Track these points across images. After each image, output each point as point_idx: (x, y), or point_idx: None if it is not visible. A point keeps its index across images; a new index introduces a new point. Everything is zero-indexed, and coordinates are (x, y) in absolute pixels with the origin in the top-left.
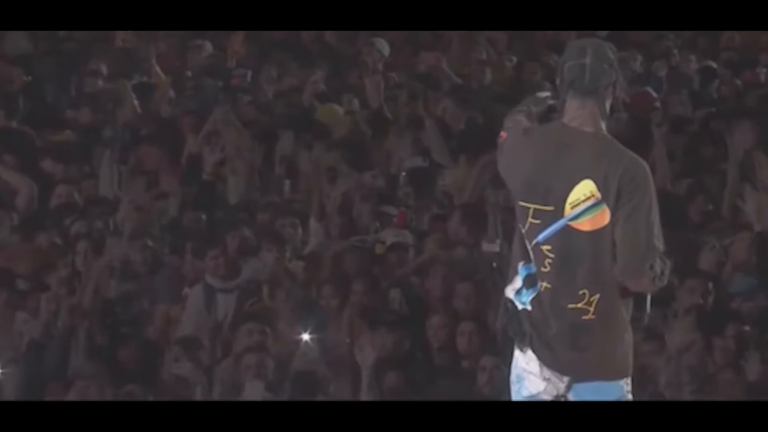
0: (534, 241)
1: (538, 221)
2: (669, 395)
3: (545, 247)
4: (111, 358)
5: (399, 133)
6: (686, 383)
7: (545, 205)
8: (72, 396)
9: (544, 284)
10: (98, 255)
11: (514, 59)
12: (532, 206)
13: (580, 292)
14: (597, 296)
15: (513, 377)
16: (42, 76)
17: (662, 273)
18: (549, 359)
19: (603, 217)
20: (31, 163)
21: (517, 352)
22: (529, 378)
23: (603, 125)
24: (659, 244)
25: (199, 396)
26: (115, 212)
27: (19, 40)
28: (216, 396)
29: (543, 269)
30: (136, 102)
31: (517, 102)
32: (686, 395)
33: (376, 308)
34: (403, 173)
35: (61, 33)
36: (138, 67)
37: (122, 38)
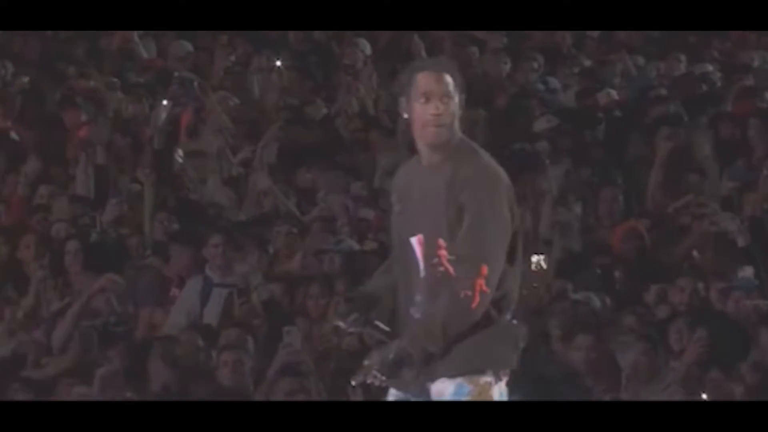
0: None
1: None
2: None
3: None
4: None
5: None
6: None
7: None
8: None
9: None
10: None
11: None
12: None
13: None
14: None
15: None
16: (34, 76)
17: None
18: None
19: None
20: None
21: None
22: None
23: None
24: None
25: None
26: (97, 212)
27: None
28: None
29: None
30: (119, 101)
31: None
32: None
33: None
34: None
35: (48, 33)
36: (126, 66)
37: (108, 37)
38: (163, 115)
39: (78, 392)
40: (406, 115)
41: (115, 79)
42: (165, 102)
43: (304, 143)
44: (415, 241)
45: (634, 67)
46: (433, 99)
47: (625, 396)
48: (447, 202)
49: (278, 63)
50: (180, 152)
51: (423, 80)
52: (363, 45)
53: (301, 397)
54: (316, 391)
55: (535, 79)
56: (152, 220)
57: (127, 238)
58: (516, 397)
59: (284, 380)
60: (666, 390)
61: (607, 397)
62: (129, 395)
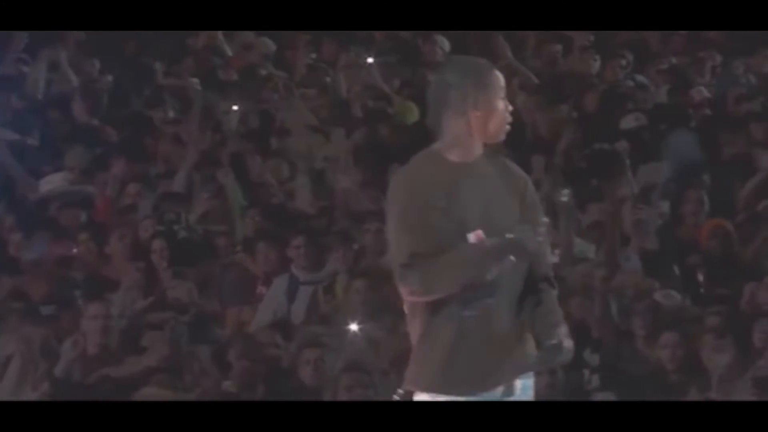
0: None
1: None
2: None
3: None
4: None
5: None
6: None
7: None
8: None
9: None
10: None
11: (599, 58)
12: None
13: None
14: None
15: None
16: (122, 75)
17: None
18: None
19: None
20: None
21: None
22: None
23: None
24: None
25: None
26: (185, 209)
27: None
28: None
29: None
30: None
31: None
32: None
33: None
34: None
35: (132, 32)
36: (212, 64)
37: (194, 36)
38: (238, 116)
39: (160, 394)
40: (478, 112)
41: (198, 79)
42: (235, 107)
43: (393, 141)
44: (473, 237)
45: (722, 64)
46: (505, 97)
47: (714, 396)
48: (514, 195)
49: (370, 60)
50: (261, 155)
51: (500, 78)
52: (441, 42)
53: (359, 392)
54: (384, 388)
55: (623, 77)
56: (242, 216)
57: (216, 235)
58: (608, 397)
59: (346, 375)
60: (752, 389)
61: (695, 397)
62: (227, 384)
